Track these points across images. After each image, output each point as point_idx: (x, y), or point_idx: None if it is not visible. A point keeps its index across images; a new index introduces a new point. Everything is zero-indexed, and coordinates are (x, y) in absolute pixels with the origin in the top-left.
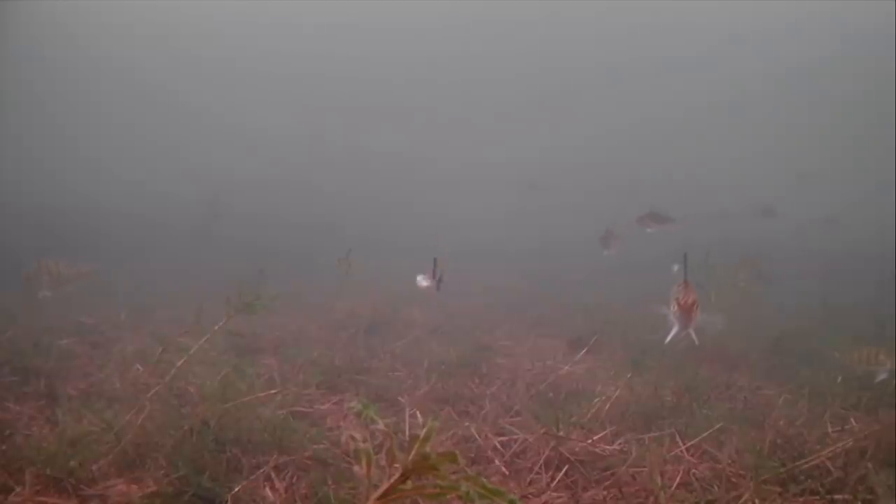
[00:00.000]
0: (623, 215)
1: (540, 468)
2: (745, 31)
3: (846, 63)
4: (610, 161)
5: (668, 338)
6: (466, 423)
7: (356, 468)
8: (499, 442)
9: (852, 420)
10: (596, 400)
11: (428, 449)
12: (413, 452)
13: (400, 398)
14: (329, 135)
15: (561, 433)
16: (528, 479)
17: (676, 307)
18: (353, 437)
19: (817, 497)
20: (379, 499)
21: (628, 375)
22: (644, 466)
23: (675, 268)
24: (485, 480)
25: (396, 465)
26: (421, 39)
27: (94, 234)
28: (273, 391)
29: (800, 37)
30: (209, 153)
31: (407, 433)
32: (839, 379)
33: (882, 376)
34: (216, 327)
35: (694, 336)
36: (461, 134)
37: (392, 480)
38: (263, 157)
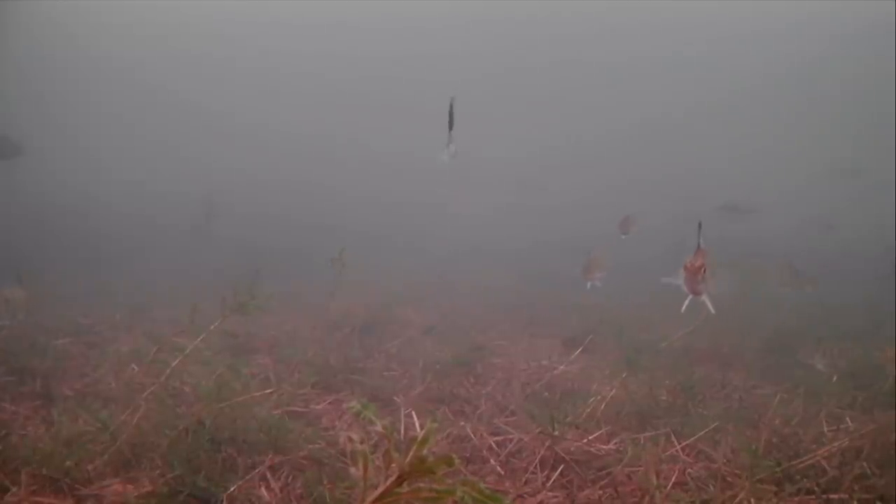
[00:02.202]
0: (620, 216)
1: (535, 468)
2: (744, 30)
3: (846, 63)
4: (609, 160)
5: (683, 306)
6: (462, 423)
7: (353, 470)
8: (494, 442)
9: (848, 419)
10: (591, 399)
11: (425, 452)
12: (410, 455)
13: (395, 398)
14: (328, 134)
15: (556, 433)
16: (524, 479)
17: (684, 271)
18: (350, 438)
19: (813, 496)
20: (375, 501)
21: (623, 375)
22: (640, 466)
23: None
24: (482, 485)
25: (394, 466)
26: (419, 38)
27: (94, 233)
28: (268, 391)
29: (799, 36)
30: (208, 153)
31: (402, 433)
32: (834, 378)
33: None
34: (212, 327)
35: (710, 305)
36: (460, 133)
37: (388, 483)
38: (263, 156)
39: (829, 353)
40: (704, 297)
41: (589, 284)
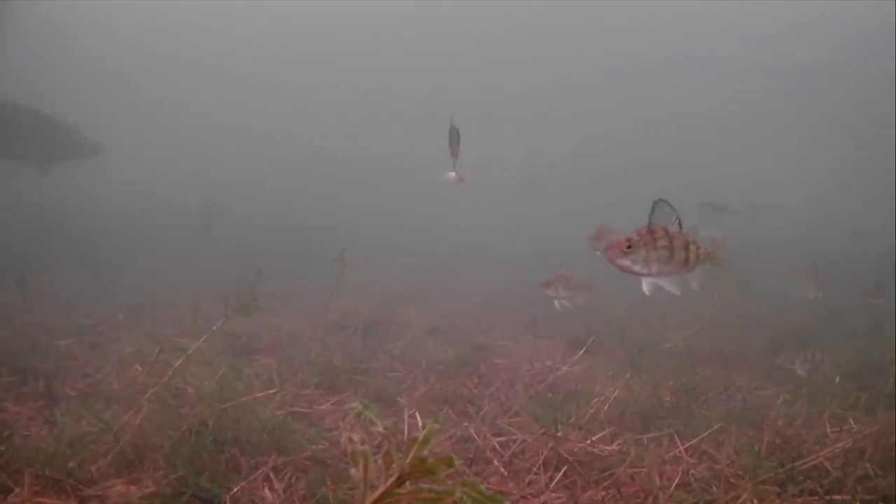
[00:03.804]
0: (619, 219)
1: (539, 469)
2: (749, 32)
3: (848, 65)
4: (614, 163)
5: (644, 287)
6: (465, 424)
7: (353, 470)
8: (497, 442)
9: (851, 420)
10: (594, 400)
11: (426, 452)
12: (410, 456)
13: (398, 398)
14: (329, 135)
15: (559, 434)
16: (527, 480)
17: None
18: (351, 439)
19: (816, 497)
20: (375, 502)
21: (626, 376)
22: (643, 467)
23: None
24: (482, 486)
25: (394, 467)
26: (421, 41)
27: (96, 234)
28: (271, 391)
29: (801, 37)
30: (209, 153)
31: (406, 434)
32: (837, 379)
33: None
34: (214, 327)
35: (671, 289)
36: (466, 135)
37: (388, 484)
38: (264, 156)
39: (812, 357)
40: (661, 280)
41: (557, 303)
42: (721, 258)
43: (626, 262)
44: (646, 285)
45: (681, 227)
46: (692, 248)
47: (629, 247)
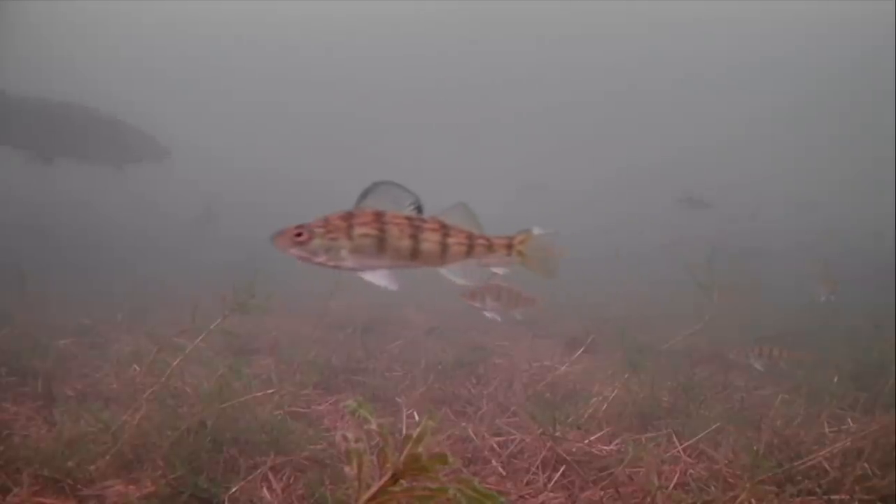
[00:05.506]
0: (614, 214)
1: (537, 468)
2: (754, 30)
3: (844, 67)
4: (608, 157)
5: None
6: (464, 424)
7: (347, 469)
8: (496, 442)
9: (849, 420)
10: (593, 400)
11: (420, 450)
12: (404, 453)
13: (397, 398)
14: (329, 133)
15: (558, 433)
16: (525, 480)
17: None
18: (345, 437)
19: (814, 497)
20: (369, 500)
21: (625, 376)
22: (641, 467)
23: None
24: (476, 483)
25: (389, 465)
26: (428, 41)
27: (95, 234)
28: (270, 391)
29: (803, 33)
30: (209, 152)
31: (404, 434)
32: (836, 379)
33: None
34: (212, 327)
35: (381, 282)
36: (465, 133)
37: (382, 482)
38: (264, 155)
39: (769, 354)
40: (368, 272)
41: (489, 314)
42: (525, 254)
43: (302, 253)
44: (370, 277)
45: (420, 213)
46: (431, 236)
47: (298, 235)
